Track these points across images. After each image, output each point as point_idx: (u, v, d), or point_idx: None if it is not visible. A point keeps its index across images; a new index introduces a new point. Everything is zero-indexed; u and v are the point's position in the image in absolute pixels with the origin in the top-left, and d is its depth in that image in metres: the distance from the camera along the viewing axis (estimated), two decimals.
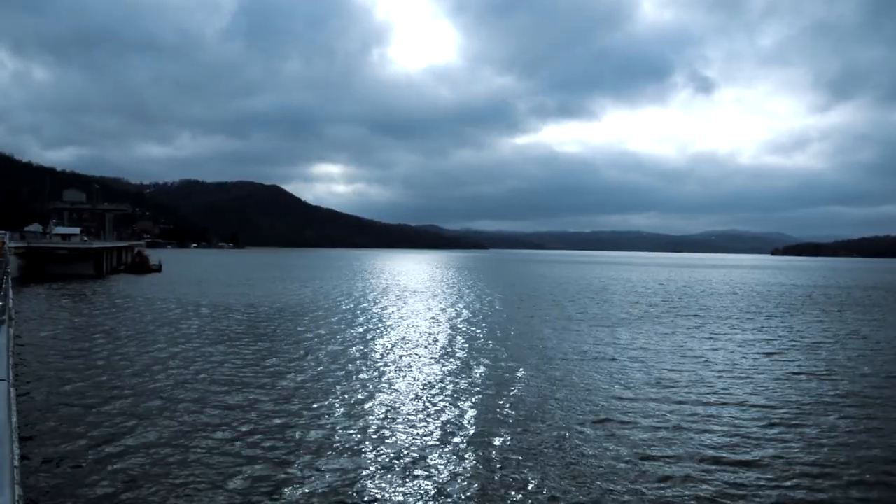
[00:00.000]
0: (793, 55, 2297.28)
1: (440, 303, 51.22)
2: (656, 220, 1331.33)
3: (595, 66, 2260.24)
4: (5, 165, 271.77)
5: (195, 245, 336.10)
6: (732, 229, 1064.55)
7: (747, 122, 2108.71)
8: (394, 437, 15.06)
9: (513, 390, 19.90)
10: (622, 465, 13.23)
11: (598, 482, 12.31)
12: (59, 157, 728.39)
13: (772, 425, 16.34)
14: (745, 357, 26.76)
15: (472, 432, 15.48)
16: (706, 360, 25.68)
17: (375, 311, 44.01)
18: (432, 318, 39.71)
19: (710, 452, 14.13)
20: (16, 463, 6.44)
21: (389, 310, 44.64)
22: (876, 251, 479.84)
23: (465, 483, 12.35)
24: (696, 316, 43.43)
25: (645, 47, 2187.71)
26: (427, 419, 16.53)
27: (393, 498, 11.62)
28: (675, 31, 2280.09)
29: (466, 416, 16.92)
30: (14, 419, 8.22)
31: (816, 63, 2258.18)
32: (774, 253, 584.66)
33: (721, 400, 18.98)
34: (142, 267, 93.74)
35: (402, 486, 12.13)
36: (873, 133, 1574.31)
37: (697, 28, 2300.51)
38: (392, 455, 13.81)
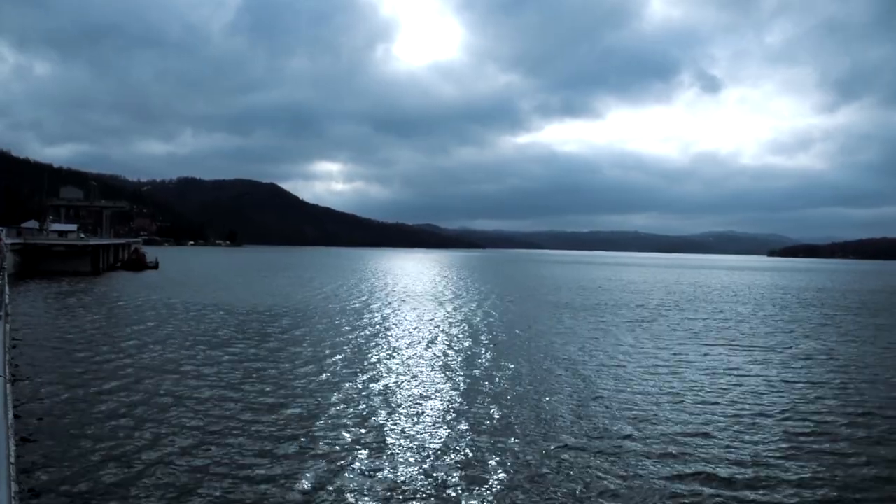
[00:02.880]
0: (800, 54, 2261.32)
1: (444, 306, 51.12)
2: (655, 221, 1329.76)
3: (601, 64, 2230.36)
4: (3, 162, 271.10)
5: (192, 243, 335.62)
6: (730, 230, 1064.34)
7: (751, 121, 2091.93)
8: (402, 443, 15.08)
9: (521, 402, 19.29)
10: (637, 484, 12.69)
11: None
12: (58, 153, 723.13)
13: (794, 442, 15.42)
14: (760, 365, 25.85)
15: (478, 445, 15.23)
16: (718, 370, 24.55)
17: (376, 312, 43.88)
18: (436, 322, 38.81)
19: (730, 471, 13.40)
20: (12, 459, 6.48)
21: (390, 312, 44.11)
22: (873, 253, 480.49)
23: (470, 496, 12.39)
24: (700, 320, 42.74)
25: (652, 45, 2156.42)
26: (432, 432, 15.97)
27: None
28: (683, 29, 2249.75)
29: (473, 426, 16.50)
30: (10, 415, 8.26)
31: (824, 62, 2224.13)
32: (771, 254, 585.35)
33: (739, 413, 18.06)
34: (139, 264, 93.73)
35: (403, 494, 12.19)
36: (877, 133, 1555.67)
37: (707, 26, 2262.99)
38: (399, 462, 13.85)
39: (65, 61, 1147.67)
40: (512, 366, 24.27)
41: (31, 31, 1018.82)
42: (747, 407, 18.75)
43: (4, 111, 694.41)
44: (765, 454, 14.49)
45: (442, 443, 14.78)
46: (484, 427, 16.09)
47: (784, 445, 15.20)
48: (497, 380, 21.80)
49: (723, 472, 13.32)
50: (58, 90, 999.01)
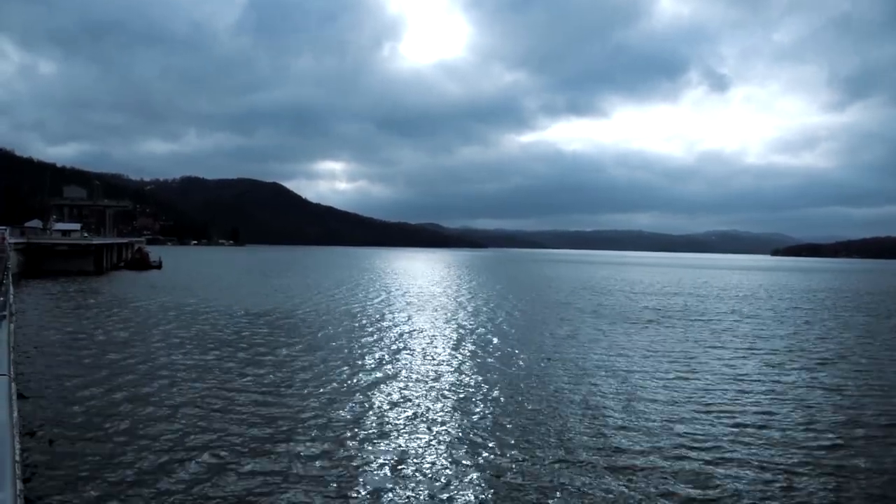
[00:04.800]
0: (809, 52, 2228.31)
1: (460, 308, 50.71)
2: (658, 220, 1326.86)
3: (609, 62, 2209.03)
4: (6, 161, 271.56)
5: (195, 242, 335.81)
6: (733, 229, 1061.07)
7: (756, 120, 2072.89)
8: (431, 448, 14.93)
9: (534, 417, 18.97)
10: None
11: None
12: (61, 152, 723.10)
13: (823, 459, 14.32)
14: (782, 370, 24.72)
15: (506, 453, 15.06)
16: (742, 375, 23.41)
17: (392, 315, 42.99)
18: (456, 326, 37.19)
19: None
20: (17, 458, 6.40)
21: (408, 315, 42.41)
22: (877, 252, 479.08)
23: None
24: (713, 321, 41.99)
25: (661, 44, 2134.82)
26: (461, 440, 15.68)
27: None
28: (692, 27, 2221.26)
29: (488, 438, 16.35)
30: (15, 414, 8.18)
31: (833, 60, 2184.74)
32: (774, 253, 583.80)
33: (761, 424, 17.26)
34: (142, 263, 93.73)
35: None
36: (883, 132, 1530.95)
37: (716, 23, 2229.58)
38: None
39: (68, 60, 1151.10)
40: (548, 373, 24.09)
41: (35, 29, 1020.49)
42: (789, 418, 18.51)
43: (8, 110, 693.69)
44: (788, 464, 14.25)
45: (473, 452, 14.56)
46: (513, 435, 15.95)
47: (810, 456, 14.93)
48: (529, 387, 21.38)
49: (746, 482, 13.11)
50: (61, 89, 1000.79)
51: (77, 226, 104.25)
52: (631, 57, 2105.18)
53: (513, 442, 14.74)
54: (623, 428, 15.96)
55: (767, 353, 28.44)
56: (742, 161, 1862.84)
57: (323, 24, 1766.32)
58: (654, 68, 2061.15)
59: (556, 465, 13.31)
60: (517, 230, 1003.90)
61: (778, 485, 12.52)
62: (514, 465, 13.26)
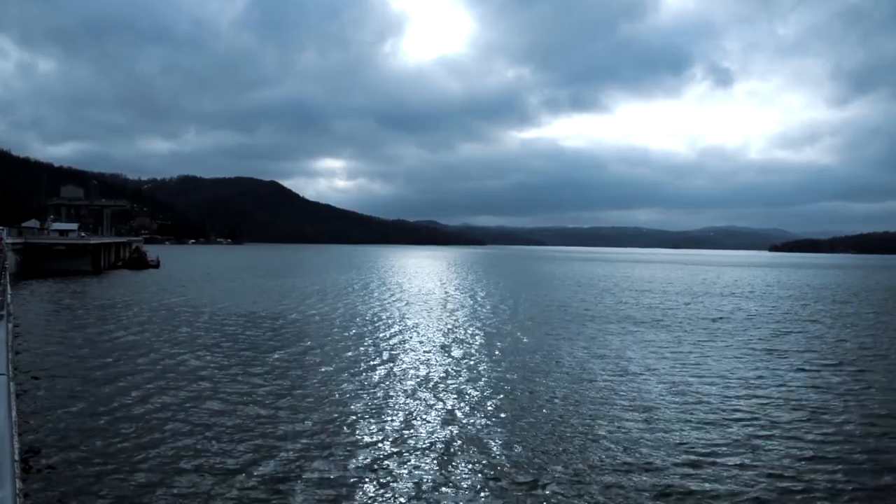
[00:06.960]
0: (813, 46, 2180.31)
1: (457, 310, 50.68)
2: (658, 216, 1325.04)
3: (614, 58, 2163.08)
4: (3, 161, 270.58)
5: (193, 241, 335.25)
6: (731, 225, 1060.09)
7: (759, 115, 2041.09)
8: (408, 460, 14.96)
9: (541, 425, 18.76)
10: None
11: None
12: (60, 152, 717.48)
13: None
14: (799, 373, 23.62)
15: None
16: (753, 380, 22.46)
17: (401, 319, 41.73)
18: (451, 330, 36.56)
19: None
20: (16, 457, 6.41)
21: (421, 321, 41.43)
22: (874, 247, 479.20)
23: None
24: (721, 319, 42.10)
25: (667, 38, 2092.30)
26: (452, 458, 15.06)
27: None
28: (698, 21, 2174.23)
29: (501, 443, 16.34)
30: (14, 414, 8.19)
31: (838, 54, 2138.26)
32: (772, 249, 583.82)
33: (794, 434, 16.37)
34: (140, 263, 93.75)
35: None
36: (886, 127, 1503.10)
37: (722, 18, 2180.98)
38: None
39: (68, 58, 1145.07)
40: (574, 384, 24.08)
41: (35, 27, 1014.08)
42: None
43: (6, 109, 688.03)
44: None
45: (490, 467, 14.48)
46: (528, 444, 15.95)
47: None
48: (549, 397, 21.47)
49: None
50: (61, 88, 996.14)
51: (74, 225, 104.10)
52: (636, 52, 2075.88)
53: (520, 445, 14.80)
54: (646, 431, 16.03)
55: (767, 353, 28.55)
56: (744, 156, 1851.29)
57: (325, 20, 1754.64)
58: (659, 63, 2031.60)
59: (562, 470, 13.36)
60: (516, 227, 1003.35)
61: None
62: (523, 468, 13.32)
